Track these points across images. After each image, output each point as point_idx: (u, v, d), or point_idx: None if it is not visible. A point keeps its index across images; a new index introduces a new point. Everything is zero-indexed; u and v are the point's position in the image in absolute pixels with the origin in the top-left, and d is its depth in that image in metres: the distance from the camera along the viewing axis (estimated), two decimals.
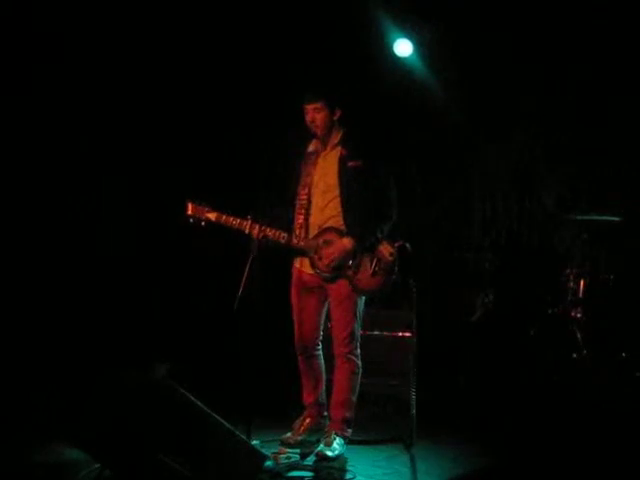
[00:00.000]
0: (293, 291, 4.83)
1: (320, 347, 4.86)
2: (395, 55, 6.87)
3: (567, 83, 6.64)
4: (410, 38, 6.79)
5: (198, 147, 6.69)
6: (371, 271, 4.60)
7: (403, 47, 6.83)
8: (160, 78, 6.57)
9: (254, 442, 4.30)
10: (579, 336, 5.93)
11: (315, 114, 4.67)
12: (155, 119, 6.58)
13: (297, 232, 4.68)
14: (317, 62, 6.50)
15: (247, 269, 4.41)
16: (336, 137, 4.74)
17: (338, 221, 4.67)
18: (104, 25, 6.30)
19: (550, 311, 6.15)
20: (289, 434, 4.82)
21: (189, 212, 4.71)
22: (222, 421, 3.85)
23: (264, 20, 6.63)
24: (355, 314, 4.69)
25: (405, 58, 6.87)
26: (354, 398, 4.75)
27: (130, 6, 6.34)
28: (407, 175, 7.03)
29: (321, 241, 4.65)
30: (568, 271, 6.20)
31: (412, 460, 4.70)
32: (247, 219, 4.63)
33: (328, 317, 4.83)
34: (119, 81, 6.48)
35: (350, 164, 4.65)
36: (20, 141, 6.19)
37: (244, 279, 4.37)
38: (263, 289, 4.48)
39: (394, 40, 6.82)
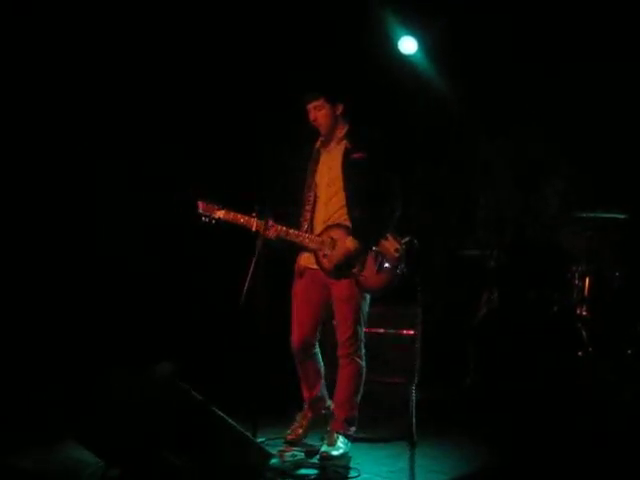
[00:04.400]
0: (295, 287, 4.82)
1: (317, 347, 4.85)
2: (400, 52, 6.86)
3: (570, 79, 6.61)
4: (415, 35, 6.78)
5: (205, 144, 6.68)
6: (376, 268, 4.58)
7: (408, 44, 6.83)
8: (166, 75, 6.56)
9: (259, 440, 4.30)
10: (584, 334, 5.91)
11: (317, 112, 4.69)
12: (160, 116, 6.57)
13: (304, 228, 4.69)
14: (318, 59, 6.50)
15: (252, 267, 4.41)
16: (341, 131, 4.74)
17: (342, 215, 4.67)
18: (104, 20, 6.29)
19: (555, 309, 6.13)
20: (293, 431, 4.83)
21: (200, 210, 4.75)
22: (228, 419, 3.85)
23: (269, 17, 6.63)
24: (359, 315, 4.68)
25: (410, 55, 6.87)
26: (357, 398, 4.75)
27: (133, 2, 6.33)
28: (413, 173, 7.03)
29: (327, 238, 4.64)
30: (573, 269, 6.18)
31: (417, 458, 4.69)
32: (254, 216, 4.64)
33: (331, 317, 4.82)
34: (124, 80, 6.47)
35: (354, 156, 4.65)
36: (17, 139, 6.18)
37: (249, 277, 4.36)
38: (267, 287, 4.47)
39: (399, 38, 6.82)
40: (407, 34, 6.81)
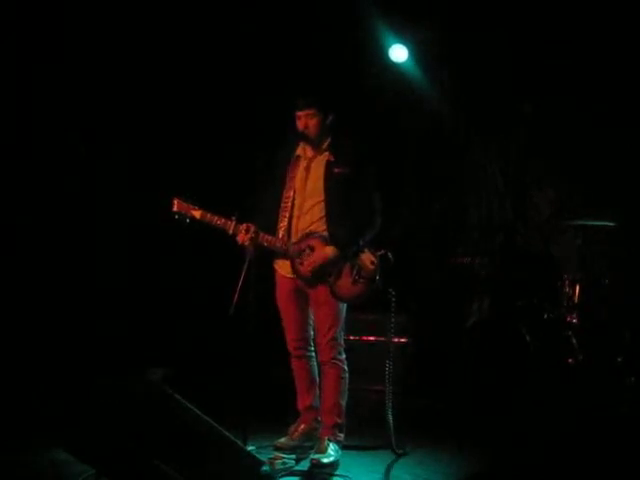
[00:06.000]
0: (277, 294, 4.84)
1: (312, 348, 4.85)
2: (390, 60, 6.88)
3: (563, 85, 6.64)
4: (405, 43, 6.80)
5: (188, 148, 6.68)
6: (351, 279, 4.60)
7: (398, 53, 6.84)
8: (151, 83, 6.57)
9: (250, 447, 4.30)
10: (574, 341, 5.92)
11: (308, 120, 4.68)
12: (146, 122, 6.58)
13: (280, 235, 4.68)
14: (309, 68, 6.51)
15: (243, 272, 4.40)
16: (325, 142, 4.75)
17: (320, 226, 4.68)
18: (103, 24, 6.30)
19: (546, 316, 6.13)
20: (283, 439, 4.81)
21: (174, 208, 4.68)
22: (218, 426, 3.84)
23: (258, 26, 6.64)
24: (336, 319, 4.69)
25: (401, 63, 6.89)
26: (343, 402, 4.75)
27: (128, 7, 6.34)
28: (401, 180, 7.05)
29: (304, 246, 4.65)
30: (564, 276, 6.19)
31: (407, 466, 4.69)
32: (231, 219, 4.63)
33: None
34: (117, 81, 6.47)
35: (337, 170, 4.66)
36: (13, 145, 6.18)
37: (240, 283, 4.36)
38: (259, 292, 4.47)
39: (389, 46, 6.84)
40: (398, 42, 6.82)
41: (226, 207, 4.70)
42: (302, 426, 4.86)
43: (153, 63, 6.57)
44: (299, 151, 4.79)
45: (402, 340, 5.30)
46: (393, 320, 4.96)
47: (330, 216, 4.65)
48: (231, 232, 4.62)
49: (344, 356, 4.76)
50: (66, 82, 6.30)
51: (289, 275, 4.73)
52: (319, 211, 4.68)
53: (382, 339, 5.39)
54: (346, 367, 4.75)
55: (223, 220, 4.65)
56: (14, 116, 6.13)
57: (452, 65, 6.86)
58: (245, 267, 4.44)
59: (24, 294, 6.13)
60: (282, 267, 4.78)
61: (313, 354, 4.85)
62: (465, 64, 6.79)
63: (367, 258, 4.61)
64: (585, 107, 6.60)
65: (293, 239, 4.69)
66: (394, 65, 6.90)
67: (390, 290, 4.81)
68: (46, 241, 6.25)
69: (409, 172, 7.17)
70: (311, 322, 4.82)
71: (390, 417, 4.89)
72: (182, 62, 6.63)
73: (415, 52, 6.85)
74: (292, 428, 4.88)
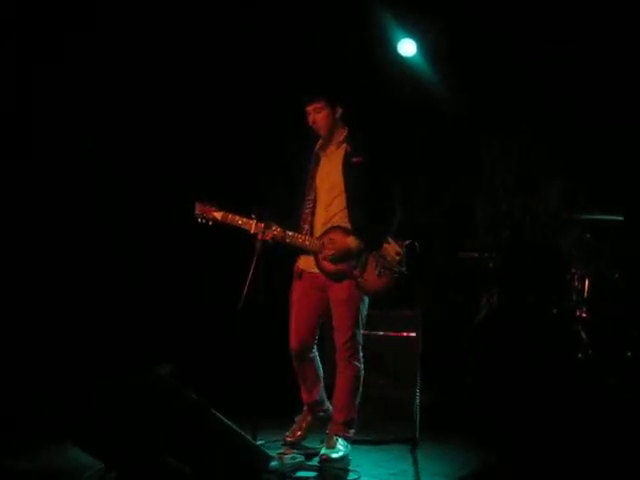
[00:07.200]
0: (294, 291, 4.81)
1: (315, 350, 4.83)
2: (399, 55, 6.86)
3: (570, 81, 6.63)
4: (414, 38, 6.79)
5: (204, 146, 6.67)
6: (377, 271, 4.58)
7: (407, 47, 6.83)
8: (164, 75, 6.57)
9: (259, 442, 4.30)
10: (584, 336, 5.91)
11: (316, 114, 4.68)
12: (159, 117, 6.57)
13: (304, 231, 4.68)
14: (316, 62, 6.51)
15: (252, 269, 4.40)
16: (341, 135, 4.75)
17: (343, 218, 4.66)
18: (105, 22, 6.31)
19: (555, 311, 6.13)
20: (291, 433, 4.83)
21: (197, 211, 4.72)
22: (227, 421, 3.85)
23: (267, 20, 6.64)
24: (357, 318, 4.66)
25: (409, 58, 6.87)
26: (356, 401, 4.74)
27: (131, 7, 6.34)
28: (411, 175, 7.03)
29: (326, 240, 4.63)
30: (573, 270, 6.18)
31: (417, 460, 4.70)
32: (252, 218, 4.63)
33: (328, 320, 4.80)
34: (119, 79, 6.47)
35: (354, 160, 4.65)
36: (17, 139, 6.18)
37: (249, 279, 4.35)
38: (268, 289, 4.47)
39: (398, 40, 6.82)
40: (406, 36, 6.81)
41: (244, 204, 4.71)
42: (308, 418, 4.87)
43: (166, 61, 6.56)
44: (318, 147, 4.80)
45: (412, 334, 5.29)
46: (419, 313, 4.96)
47: (351, 207, 4.64)
48: (253, 231, 4.62)
49: (361, 354, 4.72)
50: (70, 79, 6.30)
51: (313, 271, 4.71)
52: (340, 204, 4.67)
53: (393, 333, 5.38)
54: (362, 366, 4.72)
55: (244, 220, 4.66)
56: (16, 115, 6.14)
57: (462, 59, 6.84)
58: (254, 262, 4.43)
59: (32, 291, 6.13)
60: (305, 263, 4.75)
61: (315, 354, 4.83)
62: (475, 57, 6.77)
63: (392, 249, 4.59)
64: (592, 100, 6.59)
65: (316, 234, 4.68)
66: (402, 60, 6.89)
67: (416, 281, 4.80)
68: (48, 240, 6.24)
69: (418, 166, 7.15)
70: (318, 327, 4.80)
71: (417, 410, 4.89)
72: (192, 56, 6.62)
73: (424, 46, 6.84)
74: (299, 419, 4.88)
